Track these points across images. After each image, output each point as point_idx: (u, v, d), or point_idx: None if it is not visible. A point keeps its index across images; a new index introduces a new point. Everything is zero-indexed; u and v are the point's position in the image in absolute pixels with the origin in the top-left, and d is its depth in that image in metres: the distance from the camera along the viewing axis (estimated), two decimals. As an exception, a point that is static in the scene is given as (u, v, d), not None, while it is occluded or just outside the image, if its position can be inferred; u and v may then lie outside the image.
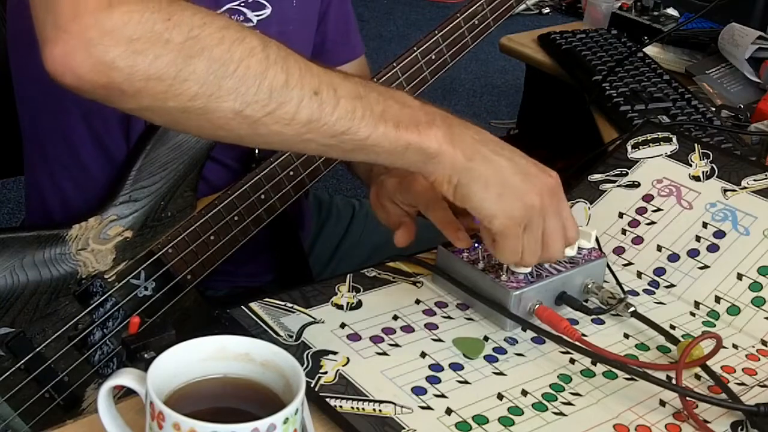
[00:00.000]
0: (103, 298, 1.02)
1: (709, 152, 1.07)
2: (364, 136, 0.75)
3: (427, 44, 1.16)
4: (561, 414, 0.76)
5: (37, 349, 0.99)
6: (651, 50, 1.67)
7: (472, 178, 0.78)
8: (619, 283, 0.94)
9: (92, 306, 1.02)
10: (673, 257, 0.98)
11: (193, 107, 0.70)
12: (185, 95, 0.69)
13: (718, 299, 0.92)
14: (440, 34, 1.16)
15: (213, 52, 0.69)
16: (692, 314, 0.92)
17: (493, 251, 0.84)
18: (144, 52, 0.67)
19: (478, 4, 1.18)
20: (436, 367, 0.80)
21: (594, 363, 0.82)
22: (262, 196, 1.08)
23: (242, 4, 1.07)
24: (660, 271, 0.97)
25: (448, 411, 0.75)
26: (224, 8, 1.05)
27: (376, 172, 1.00)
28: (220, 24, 0.71)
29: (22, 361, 0.99)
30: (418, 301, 0.89)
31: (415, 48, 1.15)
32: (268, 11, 1.09)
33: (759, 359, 0.85)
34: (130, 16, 0.67)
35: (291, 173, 1.09)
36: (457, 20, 1.17)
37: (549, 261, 0.86)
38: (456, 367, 0.81)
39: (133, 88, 0.68)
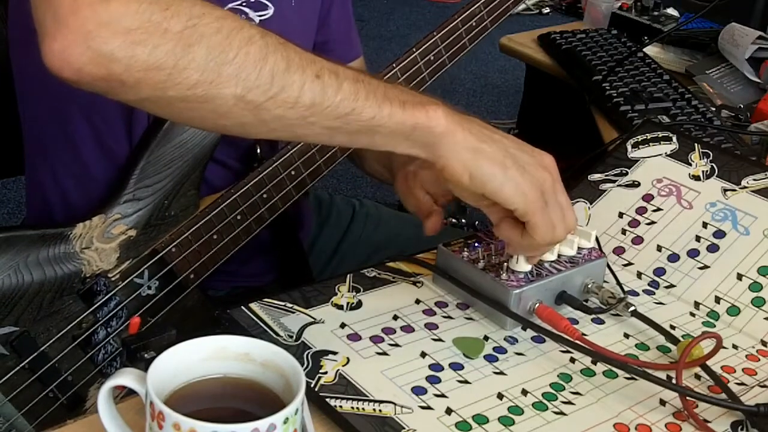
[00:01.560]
0: (106, 297, 1.02)
1: (709, 152, 1.07)
2: (369, 116, 0.75)
3: (425, 45, 1.17)
4: (561, 413, 0.76)
5: (41, 348, 0.99)
6: (651, 50, 1.67)
7: (487, 159, 0.78)
8: (619, 283, 0.94)
9: (96, 305, 1.02)
10: (673, 257, 0.98)
11: (193, 95, 0.70)
12: (185, 84, 0.69)
13: (718, 299, 0.92)
14: (438, 35, 1.17)
15: (211, 40, 0.69)
16: (692, 314, 0.92)
17: (522, 244, 0.82)
18: (142, 42, 0.67)
19: (475, 6, 1.19)
20: (436, 366, 0.80)
21: (594, 362, 0.82)
22: (265, 196, 1.08)
23: (244, 4, 1.07)
24: (660, 271, 0.97)
25: (448, 411, 0.75)
26: (226, 8, 1.06)
27: (399, 161, 0.99)
28: (217, 14, 0.71)
29: (26, 361, 0.99)
30: (418, 301, 0.90)
31: (414, 49, 1.16)
32: (270, 11, 1.09)
33: (759, 359, 0.85)
34: (127, 6, 0.67)
35: (292, 173, 1.09)
36: (455, 22, 1.18)
37: (569, 231, 0.85)
38: (456, 366, 0.81)
39: (133, 78, 0.68)
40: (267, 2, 1.09)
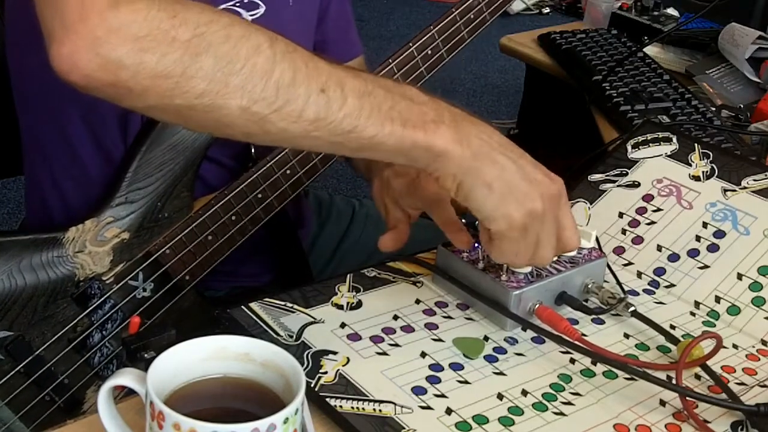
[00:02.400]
0: (101, 300, 1.02)
1: (709, 152, 1.07)
2: (371, 135, 0.75)
3: (422, 40, 1.15)
4: (561, 414, 0.76)
5: (37, 352, 0.99)
6: (651, 50, 1.67)
7: (476, 178, 0.78)
8: (619, 283, 0.94)
9: (90, 308, 1.02)
10: (673, 257, 0.98)
11: (200, 105, 0.70)
12: (192, 93, 0.69)
13: (718, 299, 0.92)
14: (436, 29, 1.15)
15: (219, 49, 0.69)
16: (692, 314, 0.92)
17: (488, 249, 0.83)
18: (151, 50, 0.68)
19: None
20: (436, 367, 0.80)
21: (594, 363, 0.82)
22: (260, 195, 1.08)
23: (237, 4, 1.07)
24: (660, 271, 0.97)
25: (448, 411, 0.75)
26: (219, 8, 1.05)
27: (377, 167, 0.99)
28: (225, 21, 0.71)
29: (22, 365, 0.98)
30: (418, 301, 0.89)
31: (410, 44, 1.14)
32: (261, 10, 1.09)
33: (759, 359, 0.85)
34: (136, 14, 0.67)
35: (288, 172, 1.09)
36: (453, 15, 1.16)
37: (537, 265, 0.85)
38: (456, 367, 0.80)
39: (140, 86, 0.69)
40: (258, 1, 1.09)
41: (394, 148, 0.76)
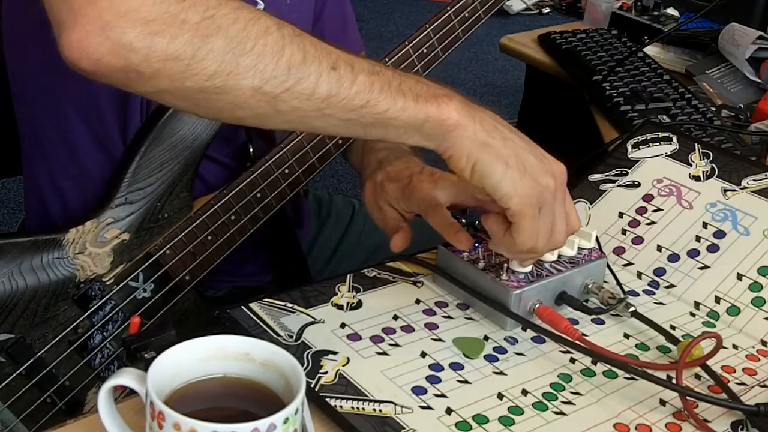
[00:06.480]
0: (101, 302, 1.02)
1: (709, 152, 1.07)
2: (383, 109, 0.75)
3: (418, 38, 1.15)
4: (561, 413, 0.76)
5: (38, 355, 0.99)
6: (651, 50, 1.67)
7: (492, 155, 0.78)
8: (619, 283, 0.94)
9: (91, 310, 1.02)
10: (673, 257, 0.98)
11: (211, 86, 0.70)
12: (203, 74, 0.69)
13: (718, 299, 0.92)
14: (431, 28, 1.16)
15: (229, 30, 0.70)
16: (692, 314, 0.92)
17: (506, 239, 0.82)
18: (161, 32, 0.68)
19: None
20: (436, 366, 0.80)
21: (594, 362, 0.82)
22: (258, 195, 1.08)
23: None
24: (660, 272, 0.97)
25: (449, 411, 0.75)
26: None
27: (370, 168, 1.00)
28: (234, 5, 0.71)
29: (23, 367, 0.98)
30: (418, 301, 0.89)
31: (406, 42, 1.15)
32: (260, 7, 1.09)
33: (759, 359, 0.85)
34: None
35: (286, 171, 1.09)
36: (448, 13, 1.17)
37: (554, 247, 0.85)
38: (456, 366, 0.80)
39: (151, 69, 0.69)
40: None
41: (407, 122, 0.76)
